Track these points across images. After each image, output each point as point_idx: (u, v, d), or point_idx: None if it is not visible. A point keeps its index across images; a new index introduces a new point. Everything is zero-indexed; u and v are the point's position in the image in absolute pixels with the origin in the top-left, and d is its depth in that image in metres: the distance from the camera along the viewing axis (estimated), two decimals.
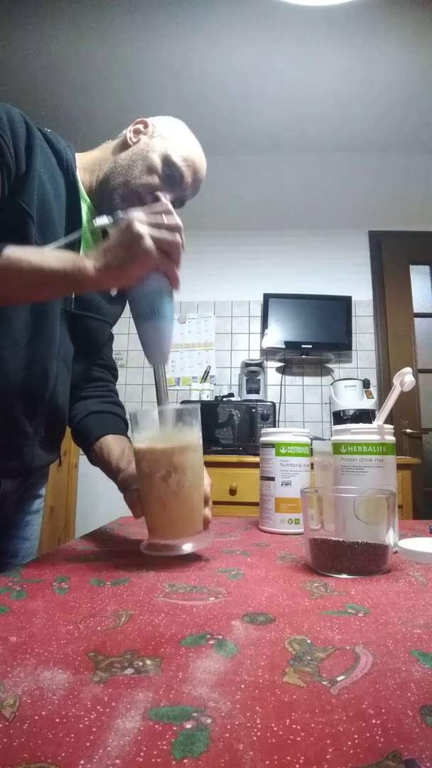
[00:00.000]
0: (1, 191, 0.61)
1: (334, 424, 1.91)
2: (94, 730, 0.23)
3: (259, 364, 2.39)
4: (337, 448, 0.67)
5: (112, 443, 0.78)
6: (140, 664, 0.30)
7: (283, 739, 0.22)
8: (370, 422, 0.84)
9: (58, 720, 0.23)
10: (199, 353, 2.62)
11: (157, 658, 0.30)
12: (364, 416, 2.21)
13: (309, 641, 0.33)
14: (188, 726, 0.23)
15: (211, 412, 2.11)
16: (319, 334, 2.52)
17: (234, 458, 1.96)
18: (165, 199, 0.79)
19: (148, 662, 0.30)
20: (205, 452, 0.63)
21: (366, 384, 2.34)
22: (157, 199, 0.79)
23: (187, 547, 0.56)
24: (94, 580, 0.48)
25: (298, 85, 2.29)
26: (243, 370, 2.41)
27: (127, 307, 0.62)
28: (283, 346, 2.50)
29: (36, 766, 0.20)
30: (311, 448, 0.83)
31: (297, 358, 2.56)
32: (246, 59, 2.15)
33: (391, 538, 0.52)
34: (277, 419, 2.28)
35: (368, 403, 2.28)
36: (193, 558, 0.58)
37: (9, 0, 1.87)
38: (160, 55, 2.14)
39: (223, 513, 1.32)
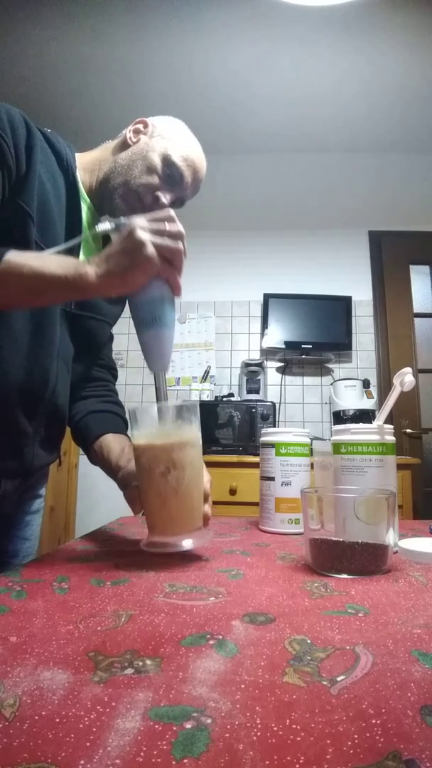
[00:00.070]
0: (1, 191, 0.61)
1: (334, 424, 1.91)
2: (94, 730, 0.23)
3: (259, 364, 2.39)
4: (337, 448, 0.67)
5: (111, 442, 0.78)
6: (140, 664, 0.30)
7: (283, 739, 0.22)
8: (370, 422, 0.84)
9: (58, 720, 0.23)
10: (199, 353, 2.62)
11: (157, 658, 0.30)
12: (364, 416, 2.21)
13: (309, 641, 0.33)
14: (188, 726, 0.23)
15: (211, 412, 2.11)
16: (319, 334, 2.52)
17: (234, 458, 1.96)
18: (165, 199, 0.79)
19: (148, 662, 0.30)
20: (205, 452, 0.63)
21: (366, 384, 2.34)
22: (157, 199, 0.79)
23: (187, 544, 0.56)
24: (94, 580, 0.48)
25: (298, 85, 2.29)
26: (243, 370, 2.41)
27: (127, 310, 0.62)
28: (283, 346, 2.50)
29: (36, 766, 0.20)
30: (311, 448, 0.83)
31: (297, 358, 2.56)
32: (246, 59, 2.15)
33: (391, 538, 0.52)
34: (277, 419, 2.28)
35: (368, 403, 2.28)
36: (193, 558, 0.58)
37: (9, 0, 1.87)
38: (160, 55, 2.14)
39: (223, 513, 1.32)
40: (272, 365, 2.62)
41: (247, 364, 2.40)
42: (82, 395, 0.86)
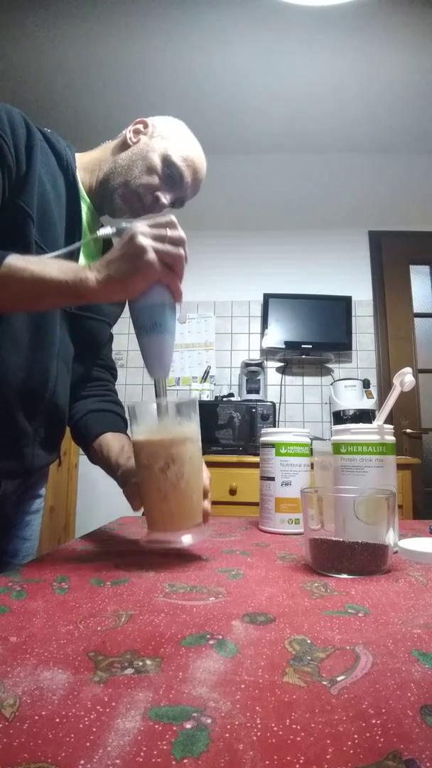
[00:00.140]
0: (1, 192, 0.61)
1: (334, 424, 1.91)
2: (94, 730, 0.23)
3: (259, 364, 2.39)
4: (337, 448, 0.67)
5: (111, 440, 0.78)
6: (140, 664, 0.30)
7: (283, 739, 0.22)
8: (370, 422, 0.84)
9: (58, 720, 0.23)
10: (199, 353, 2.62)
11: (157, 658, 0.30)
12: (364, 416, 2.21)
13: (309, 641, 0.33)
14: (188, 726, 0.23)
15: (211, 412, 2.11)
16: (319, 334, 2.52)
17: (234, 458, 1.96)
18: (165, 199, 0.79)
19: (148, 662, 0.30)
20: (205, 452, 0.63)
21: (366, 384, 2.34)
22: (157, 200, 0.79)
23: (187, 539, 0.56)
24: (94, 580, 0.48)
25: (298, 85, 2.29)
26: (243, 370, 2.41)
27: (127, 311, 0.62)
28: (283, 346, 2.50)
29: (36, 766, 0.20)
30: (311, 448, 0.83)
31: (297, 358, 2.56)
32: (246, 59, 2.15)
33: (391, 538, 0.52)
34: (277, 419, 2.28)
35: (368, 403, 2.28)
36: (193, 558, 0.58)
37: (9, 0, 1.87)
38: (160, 55, 2.14)
39: (223, 513, 1.32)
40: (272, 365, 2.62)
41: (247, 364, 2.40)
42: (81, 395, 0.86)
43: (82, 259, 0.77)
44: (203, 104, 2.40)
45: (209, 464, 0.67)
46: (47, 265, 0.54)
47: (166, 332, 0.58)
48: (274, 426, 2.18)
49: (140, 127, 0.81)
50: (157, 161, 0.77)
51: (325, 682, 0.27)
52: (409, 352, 2.56)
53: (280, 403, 2.54)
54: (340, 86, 2.29)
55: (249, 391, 2.34)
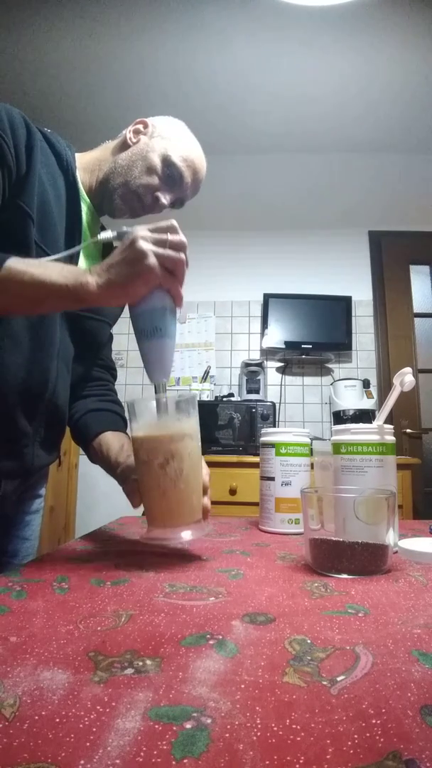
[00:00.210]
0: (1, 192, 0.61)
1: (334, 424, 1.91)
2: (94, 730, 0.23)
3: (259, 364, 2.39)
4: (337, 448, 0.67)
5: (111, 439, 0.78)
6: (140, 664, 0.30)
7: (283, 739, 0.22)
8: (370, 422, 0.84)
9: (58, 720, 0.23)
10: (199, 353, 2.62)
11: (157, 658, 0.30)
12: (364, 416, 2.21)
13: (309, 641, 0.33)
14: (188, 726, 0.23)
15: (211, 412, 2.11)
16: (319, 334, 2.52)
17: (234, 458, 1.96)
18: (165, 200, 0.79)
19: (148, 662, 0.30)
20: (205, 452, 0.63)
21: (366, 384, 2.34)
22: (157, 200, 0.79)
23: (186, 536, 0.56)
24: (94, 580, 0.48)
25: (298, 85, 2.29)
26: (243, 370, 2.41)
27: (127, 312, 0.61)
28: (283, 346, 2.50)
29: (36, 766, 0.20)
30: (311, 448, 0.83)
31: (297, 358, 2.56)
32: (246, 60, 2.15)
33: (391, 538, 0.52)
34: (277, 419, 2.28)
35: (368, 403, 2.28)
36: (193, 558, 0.58)
37: (9, 0, 1.87)
38: (160, 55, 2.14)
39: (223, 513, 1.32)
40: (272, 365, 2.62)
41: (247, 364, 2.40)
42: (81, 395, 0.86)
43: (82, 260, 0.77)
44: (203, 104, 2.40)
45: (209, 464, 0.67)
46: (47, 269, 0.54)
47: (166, 337, 0.58)
48: (274, 426, 2.18)
49: (140, 127, 0.81)
50: (156, 161, 0.77)
51: (325, 682, 0.27)
52: (409, 352, 2.56)
53: (280, 403, 2.54)
54: (340, 86, 2.29)
55: (249, 391, 2.34)
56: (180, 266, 0.56)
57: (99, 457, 0.78)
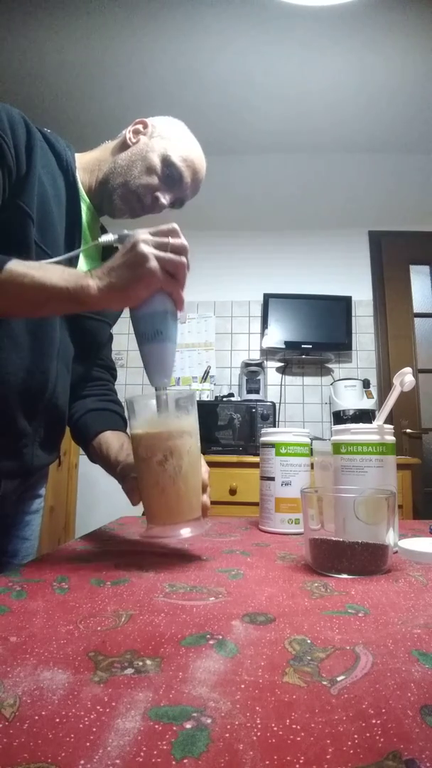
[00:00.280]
0: (1, 192, 0.61)
1: (334, 424, 1.91)
2: (94, 730, 0.23)
3: (259, 364, 2.39)
4: (337, 448, 0.67)
5: (110, 438, 0.78)
6: (140, 664, 0.30)
7: (283, 739, 0.22)
8: (370, 422, 0.84)
9: (58, 720, 0.23)
10: (199, 353, 2.62)
11: (157, 658, 0.30)
12: (364, 416, 2.21)
13: (309, 641, 0.33)
14: (188, 726, 0.23)
15: (211, 412, 2.11)
16: (319, 334, 2.52)
17: (234, 458, 1.96)
18: (164, 200, 0.79)
19: (148, 662, 0.30)
20: (205, 452, 0.63)
21: (366, 384, 2.34)
22: (156, 200, 0.79)
23: (186, 533, 0.56)
24: (94, 580, 0.48)
25: (298, 86, 2.29)
26: (243, 370, 2.41)
27: (127, 312, 0.61)
28: (283, 346, 2.50)
29: (36, 766, 0.20)
30: (311, 448, 0.83)
31: (297, 358, 2.56)
32: (246, 60, 2.15)
33: (391, 538, 0.52)
34: (277, 419, 2.28)
35: (368, 403, 2.28)
36: (193, 558, 0.58)
37: (9, 1, 1.87)
38: (160, 56, 2.14)
39: (223, 513, 1.32)
40: (272, 365, 2.62)
41: (247, 364, 2.40)
42: (81, 395, 0.86)
43: (82, 262, 0.77)
44: (203, 104, 2.40)
45: (209, 464, 0.67)
46: (48, 271, 0.54)
47: (167, 340, 0.58)
48: (274, 426, 2.18)
49: (140, 127, 0.81)
50: (156, 161, 0.77)
51: (325, 682, 0.27)
52: (409, 352, 2.56)
53: (280, 403, 2.54)
54: (340, 86, 2.29)
55: (249, 391, 2.34)
56: (181, 269, 0.56)
57: (99, 457, 0.78)
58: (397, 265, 2.65)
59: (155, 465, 0.55)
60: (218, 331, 2.66)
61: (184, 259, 0.56)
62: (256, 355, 2.60)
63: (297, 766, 0.20)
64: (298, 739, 0.22)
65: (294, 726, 0.23)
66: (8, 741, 0.22)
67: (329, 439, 0.70)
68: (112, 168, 0.78)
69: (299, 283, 2.62)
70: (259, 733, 0.22)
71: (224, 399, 2.32)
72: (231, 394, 2.44)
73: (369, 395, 2.31)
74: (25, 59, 2.17)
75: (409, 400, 2.46)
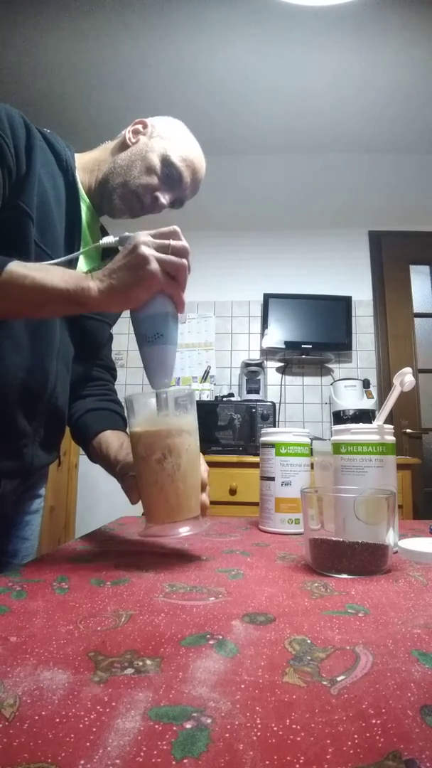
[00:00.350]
0: (1, 192, 0.61)
1: (334, 424, 1.91)
2: (94, 730, 0.23)
3: (259, 364, 2.39)
4: (337, 448, 0.67)
5: (110, 438, 0.78)
6: (140, 664, 0.30)
7: (283, 739, 0.22)
8: (370, 422, 0.84)
9: (58, 720, 0.23)
10: (199, 353, 2.62)
11: (157, 658, 0.30)
12: (364, 416, 2.21)
13: (309, 641, 0.33)
14: (188, 726, 0.23)
15: (211, 412, 2.11)
16: (319, 334, 2.52)
17: (234, 458, 1.96)
18: (164, 199, 0.79)
19: (148, 662, 0.30)
20: (205, 452, 0.63)
21: (366, 384, 2.34)
22: (156, 200, 0.79)
23: (185, 531, 0.56)
24: (94, 580, 0.48)
25: (298, 86, 2.29)
26: (243, 370, 2.41)
27: (127, 312, 0.61)
28: (283, 346, 2.50)
29: (36, 766, 0.20)
30: (311, 448, 0.83)
31: (297, 358, 2.56)
32: (247, 60, 2.15)
33: (391, 538, 0.52)
34: (277, 419, 2.28)
35: (368, 403, 2.28)
36: (193, 558, 0.58)
37: (9, 0, 1.87)
38: (160, 55, 2.14)
39: (223, 513, 1.32)
40: (272, 365, 2.62)
41: (247, 364, 2.40)
42: (81, 394, 0.86)
43: (81, 261, 0.77)
44: (203, 104, 2.40)
45: (209, 464, 0.67)
46: (49, 273, 0.54)
47: (168, 343, 0.58)
48: (274, 426, 2.18)
49: (139, 127, 0.81)
50: (156, 161, 0.77)
51: (325, 682, 0.27)
52: (409, 352, 2.56)
53: (280, 403, 2.54)
54: (340, 86, 2.29)
55: (249, 391, 2.34)
56: (182, 272, 0.56)
57: (98, 456, 0.78)
58: (397, 265, 2.65)
59: (154, 463, 0.55)
60: (218, 331, 2.66)
61: (185, 261, 0.56)
62: (256, 355, 2.60)
63: (297, 766, 0.20)
64: (298, 739, 0.22)
65: (294, 726, 0.23)
66: (8, 741, 0.22)
67: (329, 439, 0.70)
68: (111, 168, 0.78)
69: (299, 283, 2.62)
70: (259, 733, 0.22)
71: (224, 399, 2.32)
72: (231, 394, 2.44)
73: (369, 395, 2.31)
74: (25, 59, 2.17)
75: (409, 400, 2.46)
